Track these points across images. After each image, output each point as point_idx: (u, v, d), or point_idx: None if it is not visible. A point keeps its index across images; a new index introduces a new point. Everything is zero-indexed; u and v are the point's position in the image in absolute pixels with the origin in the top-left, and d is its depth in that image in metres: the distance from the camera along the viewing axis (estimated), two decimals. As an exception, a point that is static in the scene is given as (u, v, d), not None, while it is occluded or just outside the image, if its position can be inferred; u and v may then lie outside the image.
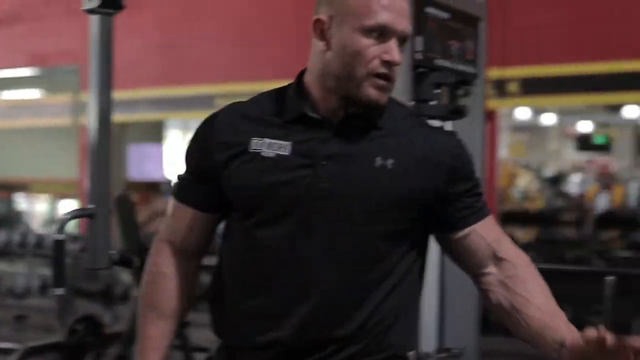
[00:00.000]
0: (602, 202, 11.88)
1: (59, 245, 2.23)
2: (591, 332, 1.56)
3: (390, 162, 1.69)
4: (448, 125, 2.42)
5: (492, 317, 1.81)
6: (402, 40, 1.69)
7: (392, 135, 1.72)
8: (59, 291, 2.22)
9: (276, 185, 1.68)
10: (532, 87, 8.26)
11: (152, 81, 9.92)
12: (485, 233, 1.77)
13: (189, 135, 1.84)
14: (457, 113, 2.37)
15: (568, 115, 19.79)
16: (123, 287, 7.29)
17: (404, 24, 1.68)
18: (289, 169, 1.68)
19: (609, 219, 9.91)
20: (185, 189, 1.82)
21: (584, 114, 18.78)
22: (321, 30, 1.69)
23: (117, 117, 9.26)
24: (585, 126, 20.02)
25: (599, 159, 19.30)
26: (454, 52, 2.43)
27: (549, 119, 19.66)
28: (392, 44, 1.67)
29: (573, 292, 4.75)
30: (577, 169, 18.28)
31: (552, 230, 10.04)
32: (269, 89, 1.80)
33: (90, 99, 2.35)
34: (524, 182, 15.20)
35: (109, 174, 2.33)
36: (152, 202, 11.69)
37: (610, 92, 8.61)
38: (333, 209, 1.67)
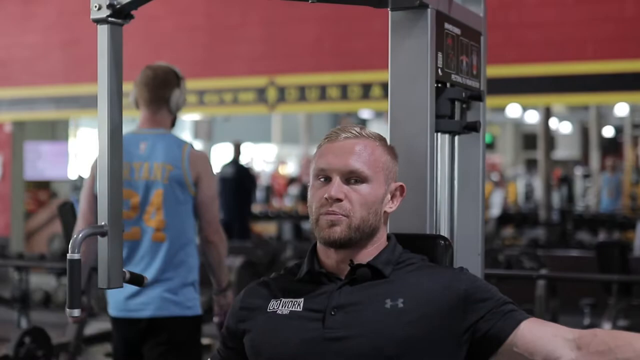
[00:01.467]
0: (497, 200, 12.28)
1: (74, 265, 2.13)
2: None
3: (400, 301, 1.76)
4: (456, 140, 2.44)
5: None
6: (348, 175, 1.81)
7: (400, 279, 1.81)
8: (75, 312, 2.11)
9: (289, 340, 1.78)
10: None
11: (53, 79, 9.61)
12: (538, 325, 1.76)
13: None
14: (471, 128, 2.40)
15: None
16: (40, 292, 7.07)
17: (344, 161, 1.81)
18: (301, 324, 1.79)
19: (509, 217, 10.23)
20: (220, 344, 2.00)
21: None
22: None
23: (17, 115, 8.89)
24: (467, 124, 20.58)
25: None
26: (464, 68, 2.45)
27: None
28: (334, 181, 1.81)
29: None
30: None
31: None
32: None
33: (100, 114, 2.23)
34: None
35: (120, 190, 2.24)
36: (46, 203, 11.30)
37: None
38: (347, 357, 1.73)
